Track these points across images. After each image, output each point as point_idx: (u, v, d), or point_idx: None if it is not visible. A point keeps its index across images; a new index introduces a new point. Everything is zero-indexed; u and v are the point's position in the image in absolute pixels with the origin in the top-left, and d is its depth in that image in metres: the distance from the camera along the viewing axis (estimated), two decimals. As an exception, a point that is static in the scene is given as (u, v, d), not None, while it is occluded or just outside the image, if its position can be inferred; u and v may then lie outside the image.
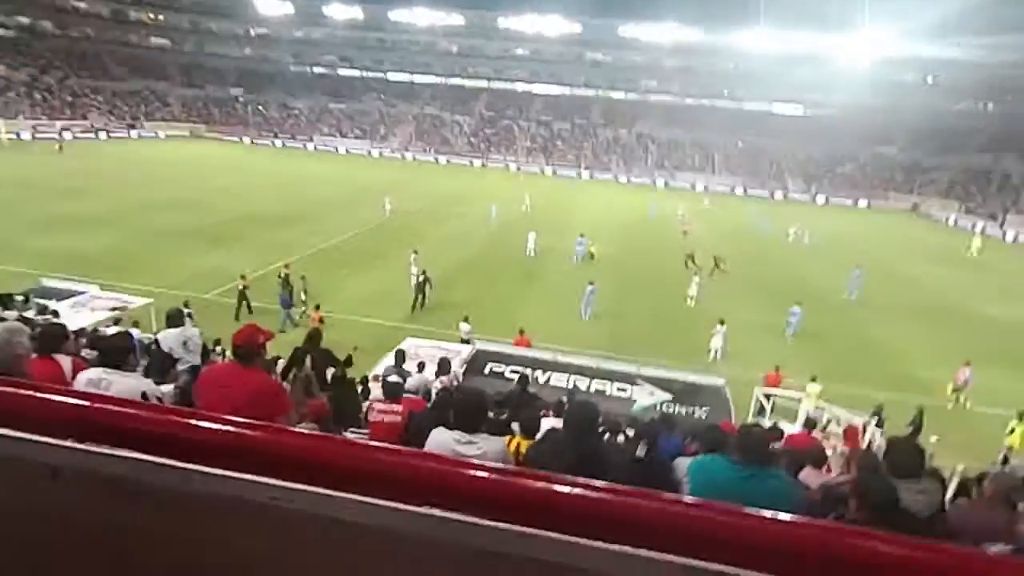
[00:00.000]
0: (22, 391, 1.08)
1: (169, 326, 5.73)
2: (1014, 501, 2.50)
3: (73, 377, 3.57)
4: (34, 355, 3.65)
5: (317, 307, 15.52)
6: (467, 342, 13.91)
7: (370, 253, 24.28)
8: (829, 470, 5.09)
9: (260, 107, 74.85)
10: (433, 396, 6.43)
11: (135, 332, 8.90)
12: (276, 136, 70.51)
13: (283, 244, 24.03)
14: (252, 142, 68.08)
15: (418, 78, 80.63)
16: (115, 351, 3.34)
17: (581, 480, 0.98)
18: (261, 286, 18.99)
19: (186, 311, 7.21)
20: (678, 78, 75.98)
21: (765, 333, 19.04)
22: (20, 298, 11.31)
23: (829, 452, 5.93)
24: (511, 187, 47.84)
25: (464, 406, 2.75)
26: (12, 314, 8.58)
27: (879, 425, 11.22)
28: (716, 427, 5.08)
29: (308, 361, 5.73)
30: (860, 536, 0.88)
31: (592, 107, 76.45)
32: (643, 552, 0.93)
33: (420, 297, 18.64)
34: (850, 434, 7.92)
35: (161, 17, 79.75)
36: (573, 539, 0.93)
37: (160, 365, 4.45)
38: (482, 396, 2.93)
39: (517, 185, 49.40)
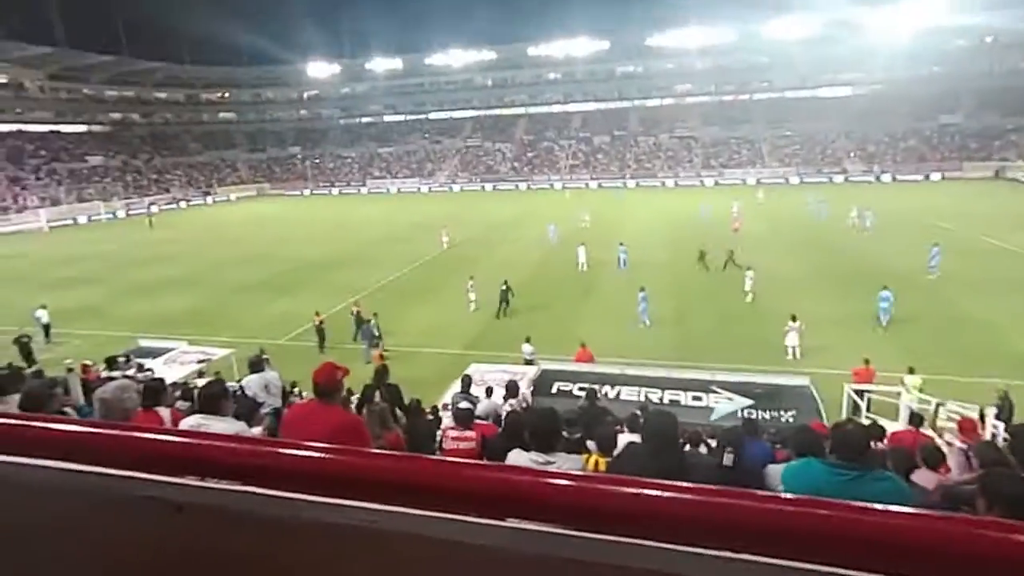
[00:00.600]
0: (147, 435, 1.18)
1: (251, 372, 6.06)
2: None
3: (174, 425, 3.85)
4: (139, 409, 3.96)
5: (376, 345, 16.09)
6: (531, 363, 13.88)
7: (428, 285, 24.82)
8: (947, 470, 4.62)
9: (316, 161, 79.55)
10: (503, 420, 6.44)
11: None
12: (332, 185, 74.43)
13: (344, 285, 24.95)
14: (311, 192, 72.11)
15: (458, 114, 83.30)
16: (211, 398, 3.57)
17: (667, 483, 0.95)
18: (330, 325, 19.84)
19: (264, 357, 7.63)
20: (712, 78, 74.69)
21: (842, 325, 17.94)
22: (122, 359, 12.31)
23: (944, 449, 5.38)
24: (559, 205, 48.00)
25: (538, 426, 2.73)
26: (117, 374, 9.34)
27: (1000, 416, 10.00)
28: (807, 428, 4.79)
29: (378, 396, 5.91)
30: (1000, 528, 0.78)
31: (629, 117, 76.09)
32: (739, 555, 0.88)
33: (503, 305, 20.16)
34: (966, 427, 7.09)
35: (227, 94, 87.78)
36: (662, 545, 0.90)
37: (247, 409, 4.73)
38: (555, 414, 2.90)
39: (564, 202, 49.51)
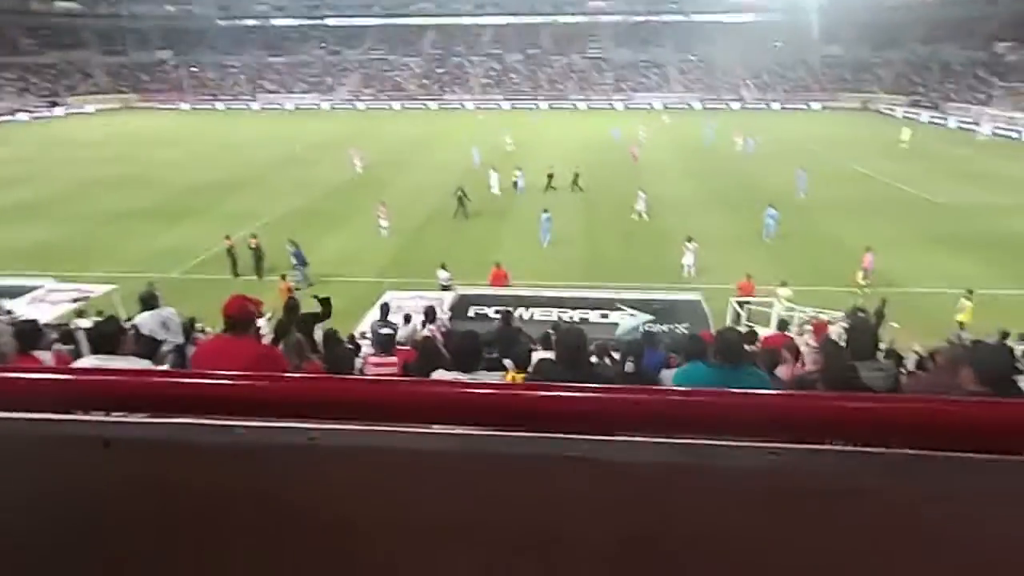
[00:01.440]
0: (69, 375, 1.14)
1: (144, 309, 5.67)
2: (959, 364, 2.81)
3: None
4: (15, 353, 3.63)
5: (283, 276, 15.20)
6: (447, 288, 14.00)
7: (336, 211, 23.71)
8: (803, 365, 5.46)
9: (193, 69, 70.24)
10: (422, 345, 6.57)
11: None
12: (216, 99, 66.64)
13: (242, 212, 23.28)
14: (190, 106, 64.31)
15: (359, 21, 76.15)
16: (107, 337, 3.35)
17: (571, 384, 1.09)
18: (225, 259, 18.60)
19: (155, 292, 7.08)
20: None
21: (730, 243, 19.56)
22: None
23: (803, 349, 6.32)
24: (473, 127, 46.63)
25: (459, 347, 2.86)
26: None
27: (852, 319, 11.81)
28: (697, 337, 5.36)
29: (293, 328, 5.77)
30: (822, 399, 1.04)
31: (542, 34, 73.70)
32: (633, 437, 1.07)
33: (461, 209, 22.33)
34: (818, 328, 8.42)
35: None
36: (571, 436, 1.06)
37: (147, 348, 4.46)
38: (475, 336, 3.05)
39: (478, 124, 48.12)
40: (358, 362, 6.98)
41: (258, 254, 17.00)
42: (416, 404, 1.07)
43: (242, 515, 1.15)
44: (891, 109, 53.98)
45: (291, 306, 6.28)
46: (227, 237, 17.63)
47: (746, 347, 4.25)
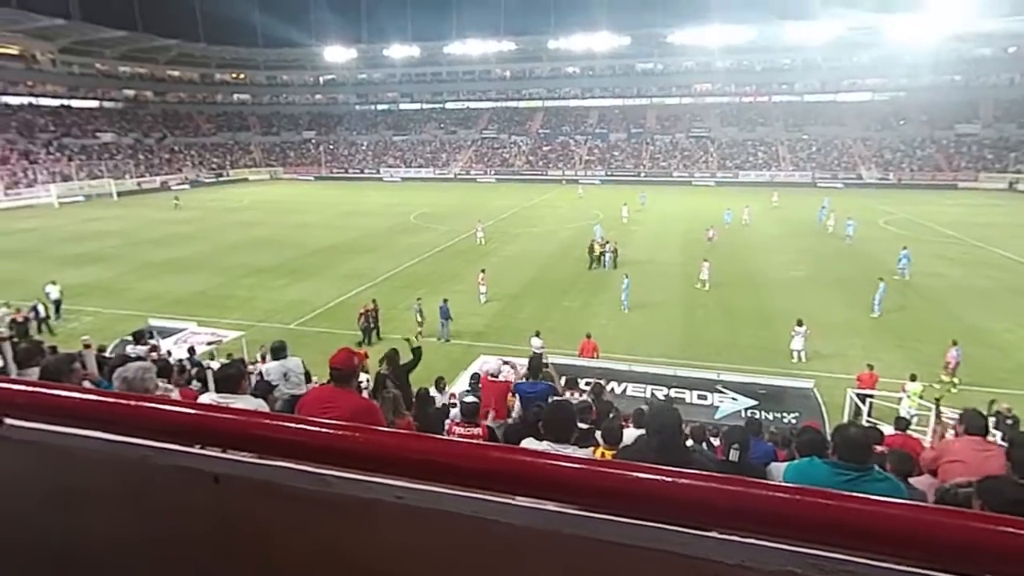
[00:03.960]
0: (187, 409, 1.25)
1: (273, 359, 6.18)
2: None
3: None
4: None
5: (360, 343, 15.65)
6: (532, 357, 13.93)
7: (439, 276, 24.92)
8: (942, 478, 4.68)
9: (330, 146, 79.67)
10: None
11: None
12: (345, 171, 74.49)
13: (356, 272, 25.14)
14: (323, 177, 72.29)
15: (474, 104, 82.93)
16: (230, 379, 3.69)
17: (666, 469, 1.00)
18: (337, 313, 20.02)
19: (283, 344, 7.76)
20: (732, 78, 73.87)
21: (845, 330, 17.90)
22: (147, 334, 12.55)
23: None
24: (574, 202, 47.87)
25: (553, 416, 2.80)
26: (141, 349, 9.54)
27: (999, 426, 10.09)
28: (811, 428, 4.84)
29: (390, 383, 6.01)
30: (991, 521, 0.83)
31: (647, 114, 75.49)
32: (733, 537, 0.95)
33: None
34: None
35: (242, 75, 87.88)
36: (663, 526, 0.96)
37: (262, 391, 4.85)
38: (570, 406, 2.97)
39: (577, 200, 49.29)
40: (445, 424, 7.06)
41: (374, 315, 17.94)
42: (504, 472, 1.05)
43: (326, 562, 1.17)
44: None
45: (389, 358, 6.59)
46: (373, 301, 18.46)
47: (872, 447, 3.74)
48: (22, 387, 1.29)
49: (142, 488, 1.25)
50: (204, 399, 3.63)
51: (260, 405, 3.59)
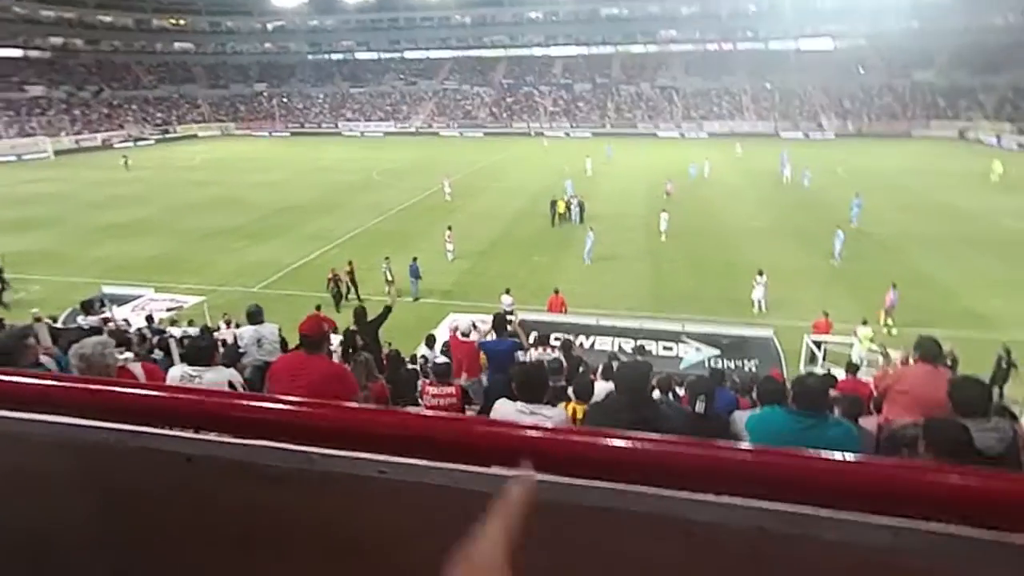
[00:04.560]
0: (159, 392, 1.21)
1: (249, 323, 6.07)
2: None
3: (149, 378, 3.90)
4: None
5: (318, 307, 14.92)
6: (510, 314, 14.07)
7: (405, 233, 24.55)
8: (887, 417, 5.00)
9: (284, 99, 75.81)
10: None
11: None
12: (302, 125, 71.42)
13: (320, 233, 24.53)
14: (280, 133, 69.23)
15: (435, 54, 79.78)
16: (201, 351, 3.64)
17: (642, 435, 1.02)
18: (301, 275, 19.63)
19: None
20: (697, 25, 72.90)
21: (802, 277, 18.58)
22: (97, 303, 12.06)
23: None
24: (539, 155, 47.34)
25: (525, 378, 2.84)
26: (93, 319, 9.19)
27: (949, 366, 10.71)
28: (770, 378, 5.07)
29: (360, 342, 6.00)
30: (935, 472, 0.88)
31: (612, 64, 74.24)
32: (718, 498, 0.99)
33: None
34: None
35: (183, 21, 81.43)
36: (646, 489, 0.99)
37: (231, 359, 4.77)
38: (542, 368, 3.02)
39: (543, 151, 48.76)
40: (417, 383, 7.11)
41: (352, 278, 17.61)
42: (490, 445, 1.06)
43: (309, 540, 1.18)
44: (992, 138, 49.87)
45: (358, 313, 6.55)
46: (349, 263, 17.96)
47: (828, 394, 3.94)
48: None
49: (110, 472, 1.21)
50: (174, 372, 3.55)
51: (232, 375, 3.54)
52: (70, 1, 70.34)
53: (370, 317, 6.97)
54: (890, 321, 14.82)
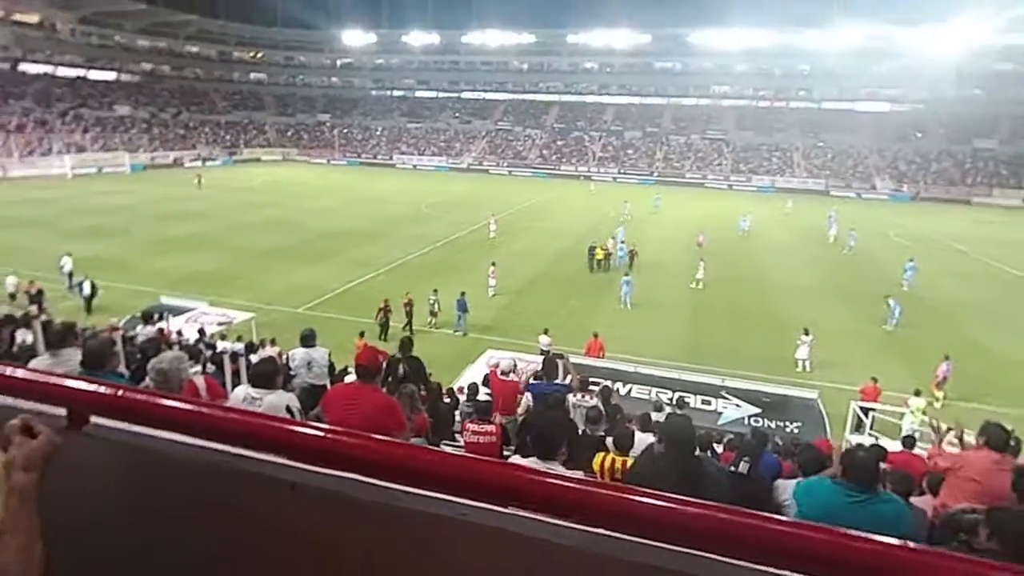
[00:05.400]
0: (271, 422, 1.33)
1: (302, 345, 6.34)
2: None
3: (211, 394, 4.21)
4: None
5: (361, 334, 14.38)
6: (560, 356, 14.02)
7: (450, 266, 25.00)
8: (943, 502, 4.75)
9: (344, 130, 79.69)
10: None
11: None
12: (359, 155, 74.52)
13: (366, 259, 25.24)
14: (338, 161, 72.40)
15: (491, 95, 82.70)
16: (264, 375, 3.94)
17: (690, 499, 1.05)
18: (344, 300, 20.11)
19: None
20: (750, 81, 73.64)
21: (851, 339, 17.93)
22: (156, 315, 12.73)
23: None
24: (586, 198, 47.80)
25: (538, 433, 2.88)
26: (151, 329, 9.70)
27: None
28: (813, 446, 4.93)
29: (403, 372, 6.12)
30: (1002, 570, 0.87)
31: (663, 114, 75.12)
32: (754, 566, 1.02)
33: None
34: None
35: (260, 54, 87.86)
36: (692, 552, 1.03)
37: (286, 382, 5.00)
38: (557, 426, 3.02)
39: (589, 195, 49.17)
40: (456, 419, 7.17)
41: (409, 310, 17.50)
42: (560, 496, 1.11)
43: (388, 574, 1.24)
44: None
45: (406, 345, 6.69)
46: (385, 302, 17.36)
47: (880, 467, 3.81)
48: (108, 390, 1.36)
49: (222, 493, 1.29)
50: (239, 392, 3.78)
51: (291, 400, 3.76)
52: (163, 33, 76.93)
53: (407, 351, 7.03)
54: (940, 393, 14.09)
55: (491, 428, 5.18)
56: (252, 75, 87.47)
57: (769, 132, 69.08)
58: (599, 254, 25.41)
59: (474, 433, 5.15)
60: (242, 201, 40.53)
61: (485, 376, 8.87)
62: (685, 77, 76.26)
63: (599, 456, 4.24)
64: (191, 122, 72.68)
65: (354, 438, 1.25)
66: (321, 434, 1.28)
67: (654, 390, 11.27)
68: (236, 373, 7.40)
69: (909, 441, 8.32)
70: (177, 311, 15.44)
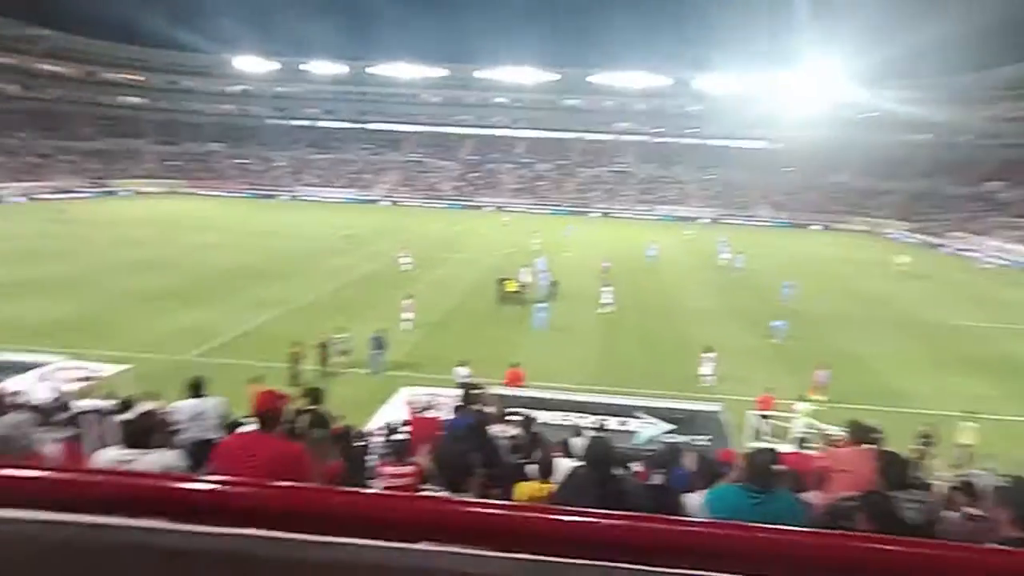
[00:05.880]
0: (126, 480, 1.16)
1: (190, 396, 5.66)
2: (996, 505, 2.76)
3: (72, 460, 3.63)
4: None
5: (255, 380, 12.57)
6: (477, 387, 13.84)
7: (361, 302, 24.22)
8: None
9: (241, 161, 75.71)
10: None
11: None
12: (257, 188, 71.05)
13: (267, 299, 23.58)
14: (224, 195, 68.05)
15: (401, 127, 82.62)
16: (139, 433, 3.51)
17: (604, 511, 1.04)
18: (243, 344, 18.73)
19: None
20: (649, 119, 79.96)
21: (745, 354, 19.41)
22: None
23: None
24: (499, 230, 48.59)
25: (448, 463, 2.88)
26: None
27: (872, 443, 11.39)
28: (719, 457, 5.28)
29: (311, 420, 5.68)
30: (867, 540, 1.00)
31: (572, 148, 78.79)
32: (671, 571, 1.07)
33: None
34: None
35: (139, 77, 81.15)
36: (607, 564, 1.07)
37: (168, 440, 4.41)
38: (465, 457, 3.02)
39: (503, 227, 50.06)
40: (369, 459, 6.81)
41: (323, 352, 16.65)
42: (489, 526, 1.07)
43: None
44: (897, 234, 55.65)
45: (314, 395, 6.23)
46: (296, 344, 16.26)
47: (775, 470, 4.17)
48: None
49: (80, 573, 1.07)
50: (106, 455, 3.32)
51: (174, 459, 3.37)
52: (11, 48, 68.47)
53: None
54: (821, 398, 15.53)
55: (409, 469, 5.01)
56: (124, 99, 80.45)
57: (667, 166, 74.73)
58: (510, 286, 24.72)
59: (391, 476, 4.95)
60: (116, 238, 36.58)
61: (405, 420, 8.60)
62: (590, 114, 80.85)
63: (521, 485, 4.25)
64: (46, 149, 65.29)
65: (245, 487, 1.11)
66: (204, 486, 1.13)
67: (573, 415, 11.47)
68: (103, 436, 6.32)
69: (799, 443, 9.27)
70: (21, 367, 12.43)
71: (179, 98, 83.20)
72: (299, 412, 5.89)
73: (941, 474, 8.78)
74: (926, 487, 4.53)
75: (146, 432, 3.60)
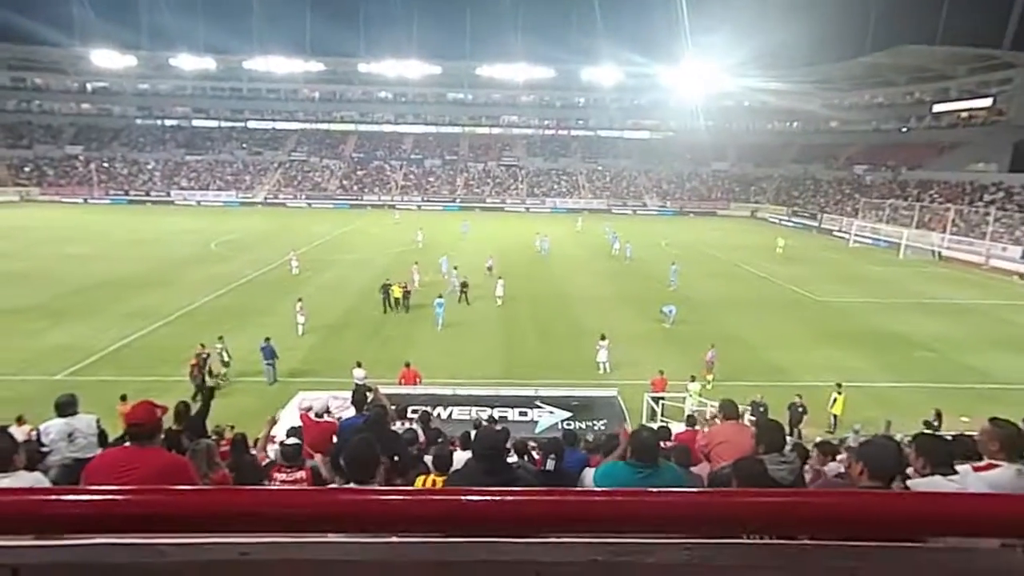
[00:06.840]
0: None
1: (59, 415, 5.10)
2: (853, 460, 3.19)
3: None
4: None
5: (123, 397, 11.85)
6: (368, 389, 13.50)
7: (249, 308, 22.75)
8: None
9: (105, 164, 67.70)
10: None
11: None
12: (126, 193, 64.10)
13: (144, 310, 21.80)
14: (86, 201, 61.45)
15: (281, 125, 77.84)
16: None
17: (492, 488, 1.14)
18: (121, 359, 17.14)
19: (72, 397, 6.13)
20: (535, 112, 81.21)
21: (639, 340, 20.55)
22: None
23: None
24: (390, 228, 47.53)
25: (355, 456, 2.83)
26: None
27: (754, 412, 12.61)
28: (614, 436, 5.58)
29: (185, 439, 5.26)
30: (727, 495, 1.17)
31: (460, 142, 78.60)
32: (560, 539, 1.15)
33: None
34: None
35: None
36: (495, 540, 1.13)
37: (31, 461, 3.93)
38: (371, 445, 3.00)
39: (394, 225, 49.04)
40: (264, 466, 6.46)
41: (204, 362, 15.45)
42: (352, 514, 1.06)
43: None
44: (776, 217, 61.60)
45: (180, 411, 5.78)
46: (202, 345, 15.74)
47: (662, 444, 4.48)
48: None
49: None
50: None
51: (38, 480, 2.97)
52: None
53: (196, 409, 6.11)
54: (711, 376, 16.90)
55: (300, 474, 4.82)
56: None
57: (556, 158, 76.84)
58: (395, 292, 23.14)
59: (283, 482, 4.73)
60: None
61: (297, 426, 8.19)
62: (477, 108, 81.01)
63: (420, 478, 4.23)
64: None
65: (96, 494, 1.07)
66: (47, 498, 1.07)
67: (474, 409, 11.58)
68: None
69: (691, 420, 10.04)
70: None
71: (27, 97, 73.27)
72: (180, 423, 5.47)
73: (813, 439, 9.96)
74: (801, 451, 5.11)
75: (5, 455, 3.16)
